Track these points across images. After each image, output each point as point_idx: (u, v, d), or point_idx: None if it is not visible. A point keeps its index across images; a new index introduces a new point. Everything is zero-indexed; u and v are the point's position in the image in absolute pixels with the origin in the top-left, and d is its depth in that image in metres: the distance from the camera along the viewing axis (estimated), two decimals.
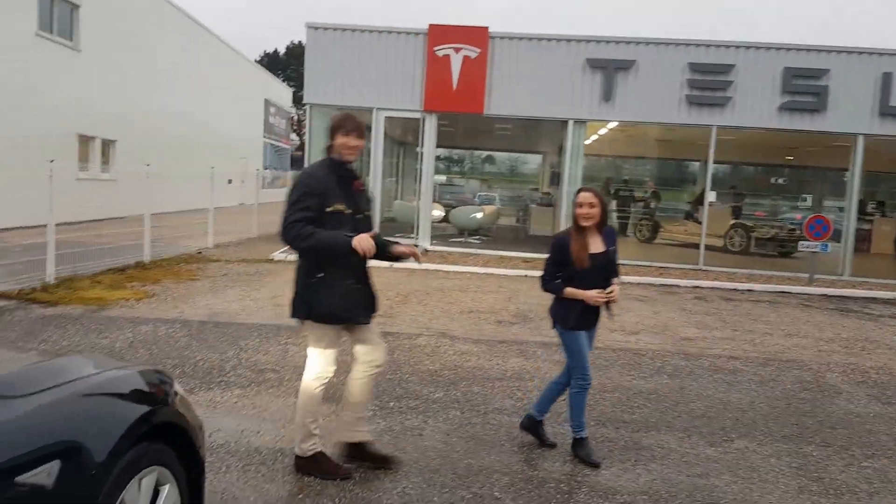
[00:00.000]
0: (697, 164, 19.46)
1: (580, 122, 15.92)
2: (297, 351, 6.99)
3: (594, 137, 19.25)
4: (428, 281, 12.08)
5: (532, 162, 34.87)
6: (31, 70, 17.46)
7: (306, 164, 16.57)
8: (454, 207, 20.31)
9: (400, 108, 15.80)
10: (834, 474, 4.85)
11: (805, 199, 23.71)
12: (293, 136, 42.97)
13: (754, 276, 15.02)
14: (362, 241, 3.92)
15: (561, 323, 4.81)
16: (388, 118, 16.02)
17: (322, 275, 4.06)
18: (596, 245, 4.77)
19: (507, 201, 27.92)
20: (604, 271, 4.77)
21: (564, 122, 15.96)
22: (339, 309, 4.10)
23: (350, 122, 4.17)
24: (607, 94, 15.56)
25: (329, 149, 4.21)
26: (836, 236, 15.73)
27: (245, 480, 4.12)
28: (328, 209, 4.02)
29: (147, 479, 2.53)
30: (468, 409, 5.64)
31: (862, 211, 18.23)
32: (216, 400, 5.47)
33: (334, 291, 4.07)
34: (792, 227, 19.81)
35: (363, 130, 4.21)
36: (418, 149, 16.31)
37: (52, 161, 9.92)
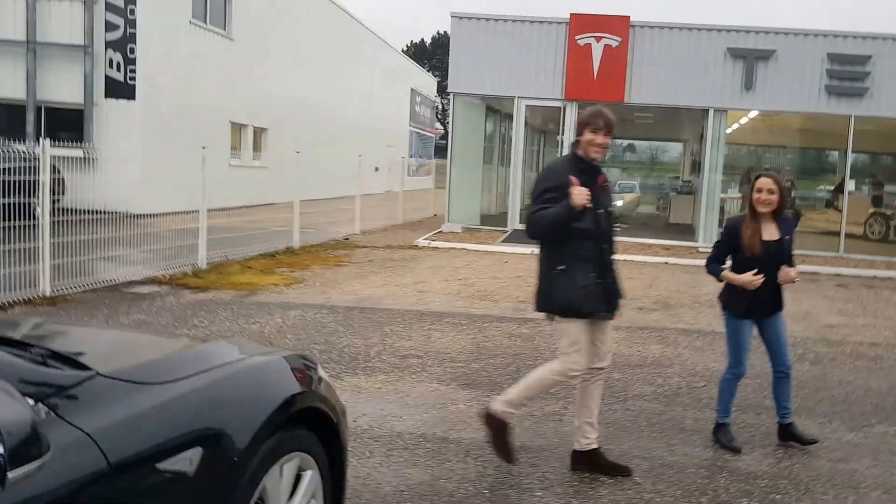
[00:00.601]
0: (837, 153, 18.18)
1: (720, 111, 15.18)
2: (439, 337, 6.85)
3: (734, 126, 18.31)
4: None
5: (672, 150, 33.40)
6: (187, 58, 17.38)
7: (450, 153, 16.56)
8: None
9: (541, 96, 15.45)
10: None
11: None
12: (437, 124, 43.32)
13: (894, 263, 13.94)
14: (574, 194, 3.63)
15: (728, 309, 4.49)
16: (528, 106, 15.71)
17: (563, 267, 3.80)
18: (770, 233, 4.36)
19: (647, 189, 26.98)
20: (777, 260, 4.35)
21: (705, 111, 15.26)
22: (579, 303, 3.80)
23: (599, 120, 3.84)
24: (748, 83, 14.74)
25: (576, 144, 3.93)
26: None
27: (387, 465, 3.98)
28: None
29: (289, 465, 2.40)
30: (608, 396, 5.27)
31: None
32: (361, 385, 5.37)
33: (575, 284, 3.78)
34: None
35: (612, 128, 3.88)
36: (558, 137, 15.87)
37: (203, 148, 9.93)
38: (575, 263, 3.78)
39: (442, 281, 9.98)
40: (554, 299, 3.83)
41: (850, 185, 15.56)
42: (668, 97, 15.10)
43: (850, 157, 15.55)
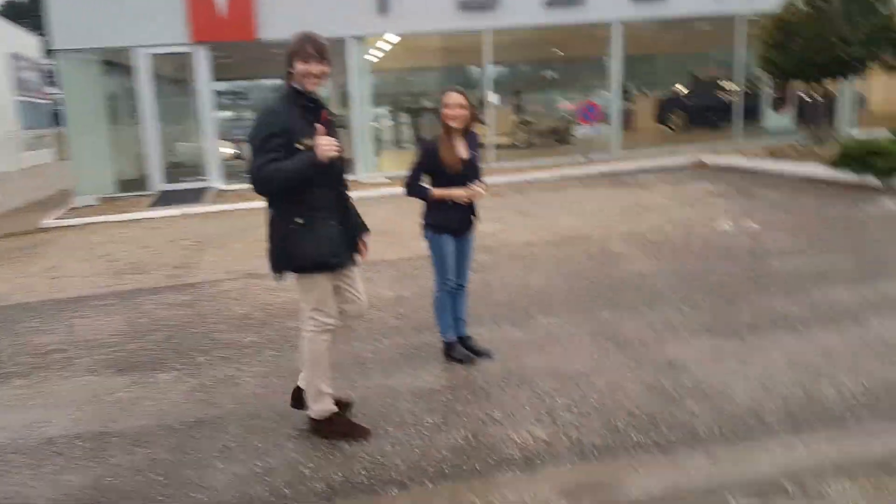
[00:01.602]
0: (477, 68, 19.76)
1: (359, 38, 15.40)
2: (86, 323, 6.29)
3: (377, 53, 18.83)
4: (225, 223, 11.38)
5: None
6: None
7: (67, 119, 14.98)
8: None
9: (165, 43, 14.42)
10: (626, 331, 5.14)
11: (572, 99, 24.70)
12: (50, 89, 38.58)
13: (540, 166, 15.54)
14: (321, 145, 3.43)
15: (431, 228, 4.64)
16: (154, 56, 14.65)
17: (302, 220, 3.54)
18: (462, 150, 4.58)
19: None
20: (470, 177, 4.60)
21: (343, 40, 15.33)
22: (326, 255, 3.61)
23: (309, 46, 3.57)
24: (382, 7, 15.09)
25: (288, 77, 3.62)
26: (606, 118, 16.60)
27: (40, 477, 3.61)
28: (298, 147, 3.47)
29: None
30: (285, 347, 5.33)
31: (625, 92, 19.33)
32: None
33: (318, 236, 3.57)
34: (567, 116, 20.70)
35: (325, 52, 3.62)
36: (193, 86, 15.08)
37: None
38: (315, 214, 3.59)
39: (81, 261, 9.10)
40: (295, 257, 3.60)
41: (492, 97, 16.65)
42: (300, 29, 14.95)
43: (490, 70, 16.50)
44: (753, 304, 5.55)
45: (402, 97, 22.64)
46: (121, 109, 16.93)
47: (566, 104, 22.16)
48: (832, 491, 3.02)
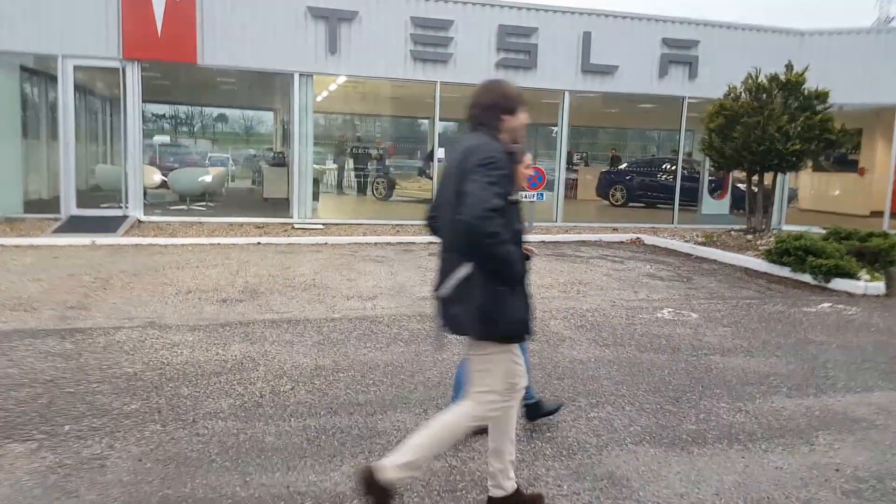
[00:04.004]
0: (426, 120, 19.35)
1: (306, 76, 14.74)
2: None
3: (325, 94, 18.24)
4: (139, 258, 10.43)
5: (267, 120, 32.95)
6: None
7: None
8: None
9: (93, 55, 13.46)
10: (564, 431, 4.54)
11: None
12: None
13: None
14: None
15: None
16: (80, 68, 13.67)
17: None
18: None
19: (240, 162, 26.17)
20: None
21: (290, 76, 14.71)
22: (528, 323, 3.23)
23: (522, 96, 3.33)
24: (332, 46, 14.52)
25: (489, 125, 3.32)
26: (550, 186, 16.33)
27: None
28: (511, 198, 3.16)
29: None
30: (172, 420, 4.52)
31: (569, 161, 19.18)
32: None
33: (525, 302, 3.21)
34: None
35: None
36: (122, 102, 14.11)
37: None
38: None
39: None
40: (504, 323, 3.13)
41: (440, 152, 16.12)
42: (246, 60, 14.20)
43: (439, 124, 16.16)
44: (697, 407, 5.02)
45: (348, 141, 22.10)
46: (39, 122, 15.82)
47: None
48: None
